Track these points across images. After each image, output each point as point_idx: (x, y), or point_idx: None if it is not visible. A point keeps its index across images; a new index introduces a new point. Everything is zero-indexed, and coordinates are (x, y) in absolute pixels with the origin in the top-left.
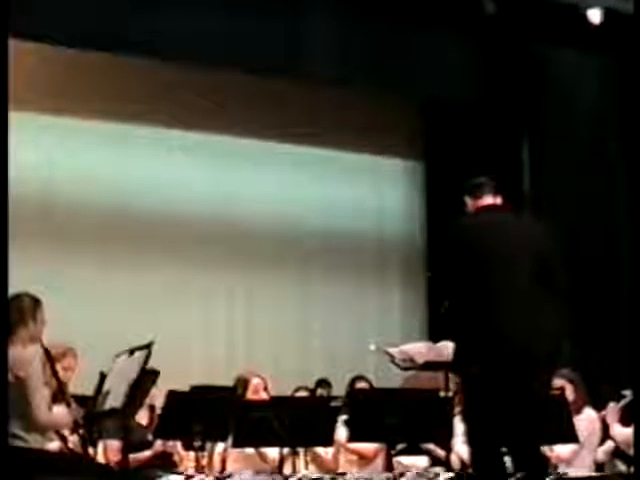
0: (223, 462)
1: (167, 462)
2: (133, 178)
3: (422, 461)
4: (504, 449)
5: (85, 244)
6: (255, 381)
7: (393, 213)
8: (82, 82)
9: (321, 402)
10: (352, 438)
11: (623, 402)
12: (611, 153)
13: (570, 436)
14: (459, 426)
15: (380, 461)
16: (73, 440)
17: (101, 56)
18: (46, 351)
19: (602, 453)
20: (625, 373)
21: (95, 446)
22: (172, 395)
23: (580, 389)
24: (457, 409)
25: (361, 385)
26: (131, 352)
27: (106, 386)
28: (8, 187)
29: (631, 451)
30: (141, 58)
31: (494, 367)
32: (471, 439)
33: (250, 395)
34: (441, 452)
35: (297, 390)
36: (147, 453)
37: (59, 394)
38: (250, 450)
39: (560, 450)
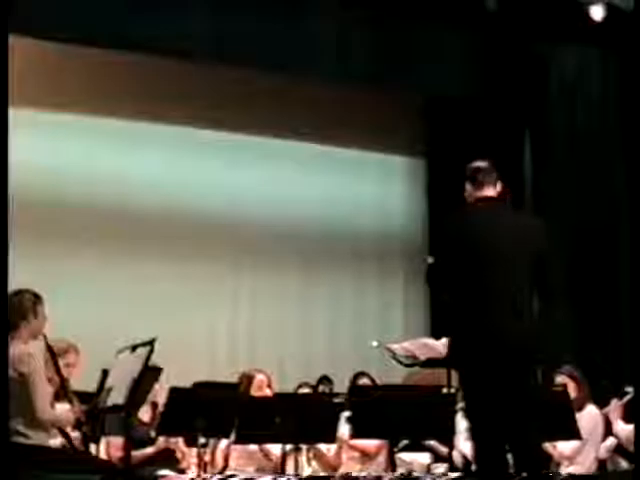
0: (226, 459)
1: (170, 459)
2: (134, 176)
3: (424, 458)
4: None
5: (87, 241)
6: (259, 377)
7: (395, 211)
8: (83, 80)
9: (323, 399)
10: (354, 435)
11: (625, 399)
12: (612, 150)
13: (572, 433)
14: (461, 423)
15: (382, 458)
16: (75, 437)
17: (101, 53)
18: (49, 347)
19: (604, 450)
20: (627, 369)
21: (97, 443)
22: (174, 392)
23: (582, 386)
24: (459, 406)
25: (363, 382)
26: (133, 349)
27: (108, 383)
28: (8, 185)
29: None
30: (142, 56)
31: (487, 364)
32: (474, 436)
33: (254, 392)
34: (443, 449)
35: (299, 387)
36: (150, 450)
37: (61, 391)
38: (253, 447)
39: (562, 447)
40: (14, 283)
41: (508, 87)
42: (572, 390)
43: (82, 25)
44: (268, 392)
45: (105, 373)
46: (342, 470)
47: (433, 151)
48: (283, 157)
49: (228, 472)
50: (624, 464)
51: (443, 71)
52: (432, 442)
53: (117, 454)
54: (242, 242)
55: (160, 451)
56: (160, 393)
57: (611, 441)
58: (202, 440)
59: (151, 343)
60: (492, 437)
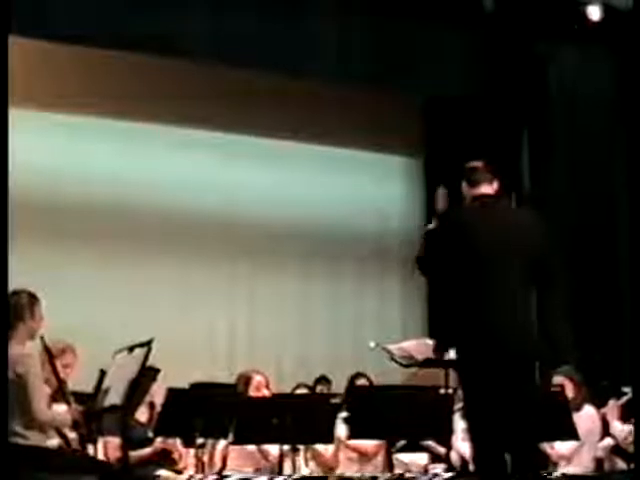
0: (224, 459)
1: (167, 459)
2: (133, 176)
3: (422, 458)
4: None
5: (84, 241)
6: (257, 378)
7: (393, 211)
8: (82, 80)
9: (321, 399)
10: (352, 435)
11: (623, 399)
12: (612, 150)
13: (570, 433)
14: (459, 423)
15: (380, 458)
16: (73, 437)
17: (101, 53)
18: (46, 348)
19: (601, 450)
20: (625, 370)
21: (95, 443)
22: (172, 392)
23: (580, 386)
24: (457, 406)
25: (361, 382)
26: (131, 349)
27: (106, 383)
28: (8, 186)
29: (631, 448)
30: (142, 55)
31: (486, 363)
32: (473, 436)
33: (252, 392)
34: (441, 449)
35: (297, 387)
36: (147, 450)
37: (59, 391)
38: (251, 447)
39: (560, 447)
40: (11, 283)
41: (507, 87)
42: (570, 391)
43: (82, 25)
44: (266, 392)
45: (103, 374)
46: (340, 471)
47: (432, 151)
48: (282, 157)
49: (225, 472)
50: (621, 464)
51: (442, 71)
52: (430, 442)
53: (115, 455)
54: (240, 242)
55: (158, 452)
56: (158, 393)
57: (608, 441)
58: (200, 440)
59: (148, 344)
60: (491, 438)
